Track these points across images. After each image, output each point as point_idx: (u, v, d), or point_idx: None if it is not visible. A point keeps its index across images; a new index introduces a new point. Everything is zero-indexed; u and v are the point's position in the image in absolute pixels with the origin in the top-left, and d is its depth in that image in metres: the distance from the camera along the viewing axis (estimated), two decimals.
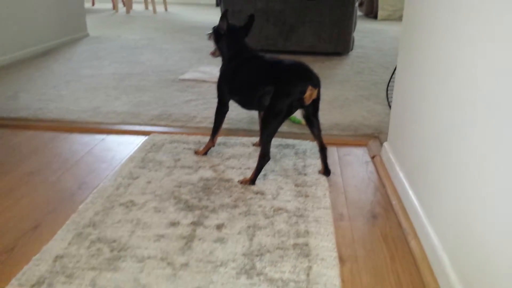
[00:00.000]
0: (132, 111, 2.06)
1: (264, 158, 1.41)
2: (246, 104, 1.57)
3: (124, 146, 1.72)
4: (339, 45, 3.39)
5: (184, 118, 2.00)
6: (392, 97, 1.88)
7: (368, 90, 2.49)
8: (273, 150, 1.65)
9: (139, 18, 5.61)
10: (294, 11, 3.30)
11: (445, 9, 1.06)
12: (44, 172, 1.49)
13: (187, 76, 2.69)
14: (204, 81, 2.61)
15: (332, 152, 1.70)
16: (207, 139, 1.72)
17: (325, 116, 2.04)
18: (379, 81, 2.68)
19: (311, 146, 1.72)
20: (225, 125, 1.85)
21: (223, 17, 1.61)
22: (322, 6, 3.26)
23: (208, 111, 2.09)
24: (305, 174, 1.48)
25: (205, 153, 1.65)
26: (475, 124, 0.86)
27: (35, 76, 2.65)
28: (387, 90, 1.92)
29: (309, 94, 1.37)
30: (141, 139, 1.79)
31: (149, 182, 1.40)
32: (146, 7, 6.75)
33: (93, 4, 6.95)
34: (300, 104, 1.39)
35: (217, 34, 1.63)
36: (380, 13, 6.14)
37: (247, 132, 1.86)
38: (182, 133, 1.84)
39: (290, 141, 1.76)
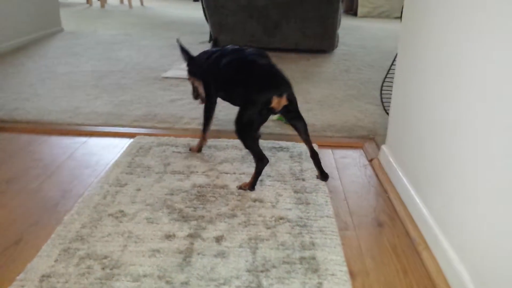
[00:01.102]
0: (115, 112, 1.95)
1: (262, 161, 1.34)
2: (230, 100, 1.52)
3: (108, 150, 1.62)
4: (324, 42, 3.33)
5: (171, 119, 1.90)
6: (386, 98, 1.84)
7: (357, 89, 2.44)
8: (266, 153, 1.57)
9: (115, 13, 5.44)
10: (278, 7, 3.22)
11: (447, 6, 1.00)
12: (23, 179, 1.38)
13: (169, 74, 2.59)
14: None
15: (328, 155, 1.64)
16: (196, 141, 1.64)
17: (316, 116, 1.98)
18: (367, 80, 2.64)
19: (306, 148, 1.65)
20: (214, 126, 1.77)
21: (182, 50, 1.63)
22: (306, 3, 3.20)
23: (195, 111, 2.00)
24: (303, 179, 1.41)
25: (199, 150, 1.59)
26: (486, 124, 0.80)
27: (8, 73, 2.50)
28: (381, 91, 1.88)
29: (276, 102, 1.30)
30: (126, 142, 1.69)
31: (138, 190, 1.31)
32: (121, 1, 6.56)
33: None
34: (271, 111, 1.33)
35: (190, 67, 1.65)
36: (360, 10, 6.13)
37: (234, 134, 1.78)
38: (169, 135, 1.74)
39: (283, 144, 1.69)
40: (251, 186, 1.33)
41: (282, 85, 1.33)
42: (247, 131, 1.34)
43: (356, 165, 1.58)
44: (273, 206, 1.24)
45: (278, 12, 3.23)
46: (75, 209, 1.19)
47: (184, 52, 1.63)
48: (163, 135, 1.74)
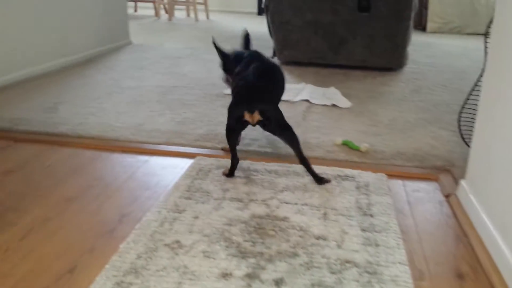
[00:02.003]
0: (177, 130, 1.93)
1: (233, 160, 1.52)
2: None
3: (168, 171, 1.59)
4: (392, 60, 3.18)
5: None
6: (465, 126, 1.67)
7: (430, 112, 2.28)
8: (331, 182, 1.48)
9: (181, 26, 5.56)
10: (345, 23, 3.11)
11: None
12: (83, 199, 1.37)
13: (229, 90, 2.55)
14: None
15: (398, 186, 1.52)
16: (257, 165, 1.58)
17: (385, 142, 1.85)
18: (440, 102, 2.46)
19: (374, 178, 1.54)
20: (276, 149, 1.70)
21: (217, 50, 1.68)
22: (375, 19, 3.07)
23: (256, 132, 1.94)
24: (371, 215, 1.30)
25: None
26: None
27: (76, 86, 2.58)
28: (459, 117, 1.72)
29: (248, 117, 1.42)
30: (186, 163, 1.65)
31: (196, 218, 1.26)
32: (188, 15, 6.71)
33: (135, 10, 6.97)
34: (247, 123, 1.46)
35: (224, 65, 1.72)
36: (430, 25, 5.85)
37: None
38: (229, 157, 1.68)
39: (349, 172, 1.58)
40: (229, 174, 1.51)
41: (255, 101, 1.42)
42: (227, 135, 1.53)
43: (430, 201, 1.43)
44: (338, 246, 1.14)
45: (344, 29, 3.12)
46: (131, 236, 1.16)
47: (218, 50, 1.68)
48: (223, 157, 1.69)
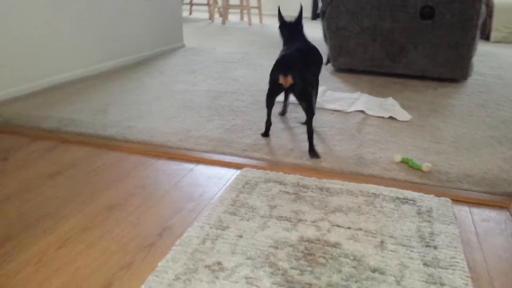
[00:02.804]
0: (225, 138, 1.86)
1: (266, 123, 1.91)
2: None
3: (214, 181, 1.51)
4: (455, 70, 2.97)
5: (281, 150, 1.76)
6: None
7: (499, 130, 2.08)
8: (389, 205, 1.36)
9: (234, 30, 5.53)
10: (405, 31, 2.94)
11: None
12: (125, 208, 1.32)
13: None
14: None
15: (465, 214, 1.36)
16: (306, 180, 1.48)
17: (450, 162, 1.68)
18: (509, 119, 2.25)
19: (438, 203, 1.39)
20: (326, 164, 1.59)
21: (279, 14, 2.10)
22: (438, 27, 2.88)
23: (306, 143, 1.83)
24: (435, 247, 1.16)
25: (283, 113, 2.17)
26: None
27: (127, 88, 2.57)
28: None
29: (282, 80, 1.70)
30: (232, 173, 1.57)
31: (240, 237, 1.17)
32: (242, 18, 6.69)
33: (190, 13, 7.04)
34: (281, 87, 1.73)
35: (280, 29, 2.08)
36: (494, 35, 5.50)
37: (354, 176, 1.57)
38: (278, 170, 1.59)
39: (409, 194, 1.44)
40: (265, 133, 1.91)
41: (289, 67, 1.71)
42: (267, 97, 1.82)
43: (502, 233, 1.27)
44: (397, 282, 1.01)
45: (405, 36, 2.95)
46: (171, 253, 1.08)
47: (281, 17, 2.08)
48: (271, 169, 1.59)
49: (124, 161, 1.64)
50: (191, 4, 6.87)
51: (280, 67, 1.72)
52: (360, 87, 2.80)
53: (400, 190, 1.47)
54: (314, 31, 5.56)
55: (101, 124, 1.95)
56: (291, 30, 2.03)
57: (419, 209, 1.35)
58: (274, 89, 1.78)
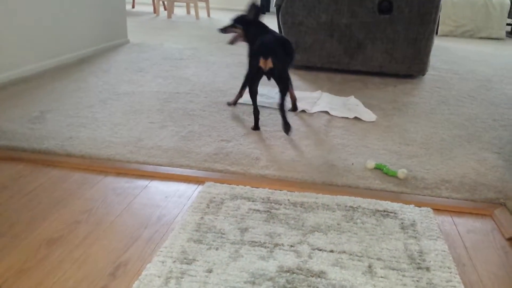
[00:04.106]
0: (181, 147, 1.67)
1: (254, 111, 1.92)
2: None
3: (172, 200, 1.32)
4: (413, 66, 2.92)
5: (245, 160, 1.59)
6: None
7: (465, 129, 2.02)
8: (370, 220, 1.23)
9: (181, 24, 5.28)
10: (363, 26, 2.86)
11: None
12: (68, 240, 1.10)
13: (242, 99, 2.29)
14: (263, 107, 2.20)
15: (449, 225, 1.27)
16: (277, 194, 1.33)
17: (424, 166, 1.59)
18: (473, 116, 2.22)
19: (420, 214, 1.28)
20: (296, 173, 1.45)
21: (252, 9, 2.05)
22: (396, 22, 2.81)
23: (273, 150, 1.68)
24: (427, 269, 1.04)
25: (234, 103, 2.19)
26: None
27: (67, 91, 2.31)
28: None
29: (262, 63, 1.80)
30: (193, 189, 1.39)
31: (209, 271, 1.00)
32: (188, 12, 6.44)
33: (133, 6, 6.69)
34: (260, 70, 1.83)
35: (244, 23, 2.06)
36: (441, 28, 5.62)
37: (327, 187, 1.44)
38: (244, 183, 1.43)
39: (389, 206, 1.32)
40: (255, 127, 1.91)
41: (269, 52, 1.81)
42: (249, 84, 1.92)
43: (491, 246, 1.18)
44: None
45: (363, 32, 2.87)
46: None
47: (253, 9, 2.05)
48: (237, 183, 1.43)
49: (65, 180, 1.41)
50: None
51: (260, 51, 1.83)
52: (319, 85, 2.69)
53: (378, 201, 1.35)
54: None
55: (37, 135, 1.70)
56: (256, 25, 2.04)
57: (402, 223, 1.24)
58: (255, 74, 1.87)
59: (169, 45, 3.77)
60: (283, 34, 3.02)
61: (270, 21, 5.71)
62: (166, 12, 6.09)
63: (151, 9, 6.44)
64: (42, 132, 1.73)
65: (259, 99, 2.24)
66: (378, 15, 2.82)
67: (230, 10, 7.17)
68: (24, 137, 1.67)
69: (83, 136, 1.71)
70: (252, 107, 1.92)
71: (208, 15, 6.18)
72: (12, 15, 2.42)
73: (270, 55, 1.80)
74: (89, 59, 3.08)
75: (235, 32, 2.08)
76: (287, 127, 1.80)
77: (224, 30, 2.11)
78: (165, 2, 6.28)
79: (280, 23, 3.01)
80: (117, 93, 2.30)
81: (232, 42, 2.12)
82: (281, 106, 1.82)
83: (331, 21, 2.89)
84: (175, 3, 6.19)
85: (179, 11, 6.57)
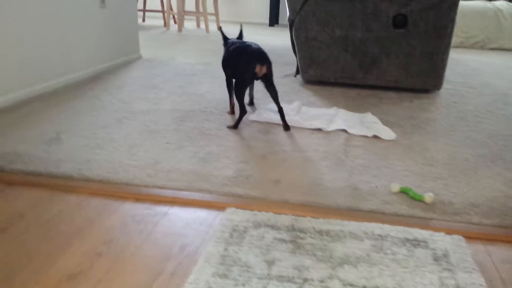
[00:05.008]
0: (200, 170, 1.63)
1: (243, 112, 2.07)
2: (232, 75, 2.22)
3: (194, 228, 1.29)
4: (429, 81, 2.88)
5: (266, 183, 1.55)
6: None
7: (488, 147, 1.97)
8: (400, 251, 1.19)
9: (192, 38, 5.28)
10: (378, 40, 2.83)
11: None
12: (90, 275, 1.07)
13: (257, 117, 2.26)
14: (279, 125, 2.17)
15: (482, 256, 1.21)
16: (301, 221, 1.29)
17: (450, 189, 1.54)
18: (494, 134, 2.16)
19: (452, 243, 1.24)
20: (319, 198, 1.41)
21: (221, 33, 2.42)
22: (411, 36, 2.78)
23: (292, 172, 1.64)
24: None
25: (232, 112, 2.33)
26: None
27: (82, 109, 2.29)
28: None
29: (259, 69, 1.99)
30: (214, 216, 1.35)
31: None
32: (198, 25, 6.44)
33: (143, 20, 6.72)
34: (255, 76, 2.03)
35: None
36: (452, 40, 5.56)
37: (352, 213, 1.39)
38: (266, 209, 1.39)
39: (418, 234, 1.27)
40: (235, 126, 2.08)
41: (265, 59, 2.02)
42: (242, 90, 2.09)
43: None
44: None
45: (378, 46, 2.84)
46: None
47: (224, 36, 2.41)
48: (259, 208, 1.39)
49: (84, 207, 1.38)
50: (144, 10, 6.55)
51: (256, 59, 2.01)
52: (335, 101, 2.66)
53: (407, 228, 1.30)
54: (273, 39, 5.41)
55: (54, 158, 1.67)
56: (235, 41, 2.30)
57: (434, 254, 1.19)
58: (249, 80, 2.11)
59: (181, 60, 3.76)
60: (296, 49, 3.00)
61: (278, 34, 5.68)
62: (176, 25, 6.10)
63: (161, 22, 6.46)
64: (58, 154, 1.71)
65: (272, 116, 2.22)
66: (393, 29, 2.79)
67: (239, 23, 7.19)
68: (40, 161, 1.64)
69: (100, 159, 1.68)
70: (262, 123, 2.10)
71: (218, 28, 6.18)
72: (22, 33, 2.42)
73: (266, 62, 2.01)
74: (102, 75, 3.06)
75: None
76: (286, 127, 2.10)
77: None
78: (175, 16, 6.30)
79: (293, 38, 2.98)
80: (132, 112, 2.27)
81: None
82: (279, 108, 2.08)
83: (345, 35, 2.86)
84: (185, 16, 6.20)
85: (189, 24, 6.58)
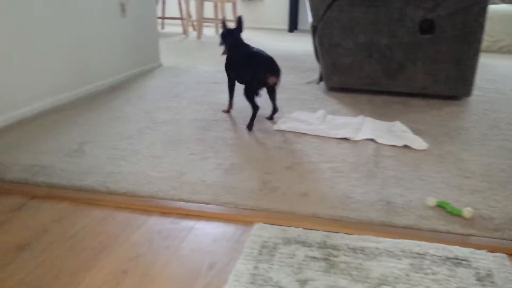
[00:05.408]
0: (225, 182, 1.58)
1: (256, 109, 2.15)
2: (239, 79, 2.28)
3: (221, 245, 1.24)
4: (458, 87, 2.79)
5: (294, 196, 1.50)
6: None
7: None
8: (441, 270, 1.11)
9: (212, 45, 5.26)
10: (404, 46, 2.75)
11: None
12: None
13: (281, 126, 2.21)
14: (304, 134, 2.11)
15: None
16: (333, 237, 1.23)
17: (489, 202, 1.47)
18: None
19: (495, 262, 1.16)
20: (351, 212, 1.35)
21: (223, 26, 2.46)
22: (439, 42, 2.70)
23: (320, 184, 1.58)
24: None
25: (228, 111, 2.43)
26: None
27: (104, 120, 2.27)
28: None
29: (271, 79, 2.10)
30: (241, 231, 1.30)
31: None
32: (217, 32, 6.43)
33: (162, 27, 6.74)
34: (264, 83, 2.13)
35: (222, 35, 2.41)
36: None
37: (387, 228, 1.32)
38: (295, 224, 1.33)
39: (459, 251, 1.20)
40: (249, 126, 2.14)
41: (276, 69, 2.12)
42: (252, 95, 2.14)
43: None
44: None
45: (404, 52, 2.76)
46: None
47: (224, 25, 2.47)
48: (288, 224, 1.33)
49: (109, 222, 1.34)
50: (163, 18, 6.58)
51: (269, 68, 2.10)
52: (360, 109, 2.59)
53: (446, 246, 1.23)
54: (292, 45, 5.36)
55: (77, 170, 1.64)
56: (236, 37, 2.37)
57: (477, 273, 1.12)
58: (260, 87, 2.14)
59: (202, 68, 3.74)
60: (320, 56, 2.95)
61: (298, 40, 5.63)
62: (195, 32, 6.10)
63: (180, 30, 6.48)
64: (82, 167, 1.68)
65: (298, 125, 2.16)
66: (419, 35, 2.71)
67: (258, 29, 7.16)
68: (64, 173, 1.62)
69: (124, 171, 1.65)
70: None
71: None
72: (43, 43, 2.41)
73: (277, 72, 2.11)
74: (123, 85, 3.05)
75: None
76: (270, 119, 2.29)
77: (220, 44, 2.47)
78: (194, 23, 6.31)
79: (316, 44, 2.93)
80: (154, 122, 2.24)
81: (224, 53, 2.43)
82: (275, 111, 2.31)
83: (370, 41, 2.79)
84: (204, 23, 6.20)
85: (208, 31, 6.58)
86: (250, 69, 2.13)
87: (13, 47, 2.17)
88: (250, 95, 2.13)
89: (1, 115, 2.11)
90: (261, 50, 2.21)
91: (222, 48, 2.46)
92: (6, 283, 1.04)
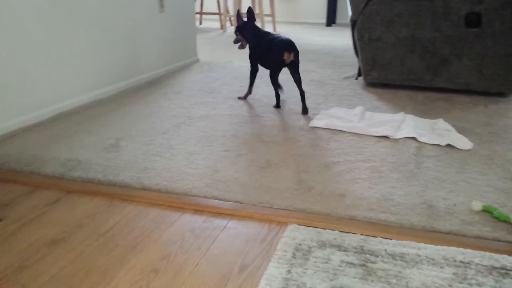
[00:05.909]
0: (259, 181, 1.55)
1: (279, 90, 2.42)
2: (264, 65, 2.44)
3: (254, 246, 1.21)
4: (505, 84, 2.65)
5: (330, 196, 1.45)
6: None
7: None
8: (487, 281, 1.04)
9: None
10: (449, 41, 2.63)
11: None
12: None
13: (318, 122, 2.15)
14: (341, 131, 2.05)
15: None
16: (371, 242, 1.18)
17: None
18: None
19: None
20: (390, 215, 1.29)
21: (237, 16, 2.53)
22: (486, 36, 2.56)
23: (358, 185, 1.53)
24: None
25: (245, 97, 2.59)
26: None
27: (141, 115, 2.28)
28: None
29: (286, 56, 2.24)
30: (275, 233, 1.27)
31: None
32: None
33: (200, 23, 6.77)
34: (284, 63, 2.27)
35: (240, 29, 2.52)
36: None
37: (429, 234, 1.26)
38: (331, 227, 1.28)
39: (506, 261, 1.12)
40: (277, 105, 2.41)
41: (291, 47, 2.25)
42: (275, 75, 2.33)
43: None
44: None
45: (448, 47, 2.64)
46: None
47: (240, 18, 2.52)
48: (323, 226, 1.29)
49: (142, 218, 1.34)
50: (201, 13, 6.61)
51: (284, 47, 2.24)
52: (401, 105, 2.49)
53: (493, 254, 1.15)
54: (331, 40, 5.26)
55: (113, 165, 1.65)
56: (254, 28, 2.48)
57: None
58: (280, 67, 2.30)
59: (238, 63, 3.72)
60: (359, 50, 2.86)
61: (336, 34, 5.52)
62: (232, 27, 6.09)
63: (218, 25, 6.49)
64: (118, 162, 1.69)
65: (334, 122, 2.11)
66: (465, 29, 2.58)
67: (296, 24, 7.08)
68: (100, 168, 1.63)
69: (158, 167, 1.64)
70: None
71: (274, 29, 6.11)
72: (83, 39, 2.45)
73: (293, 50, 2.24)
74: (161, 80, 3.07)
75: (240, 39, 2.54)
76: (305, 111, 2.31)
77: (235, 41, 2.59)
78: (232, 18, 6.30)
79: (356, 38, 2.85)
80: (190, 117, 2.24)
81: (237, 43, 2.58)
82: (302, 92, 2.32)
83: (412, 36, 2.68)
84: None
85: None
86: (270, 52, 2.30)
87: (58, 43, 2.21)
88: (273, 78, 2.31)
89: (42, 109, 2.16)
90: (280, 35, 2.35)
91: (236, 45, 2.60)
92: (38, 279, 1.05)
